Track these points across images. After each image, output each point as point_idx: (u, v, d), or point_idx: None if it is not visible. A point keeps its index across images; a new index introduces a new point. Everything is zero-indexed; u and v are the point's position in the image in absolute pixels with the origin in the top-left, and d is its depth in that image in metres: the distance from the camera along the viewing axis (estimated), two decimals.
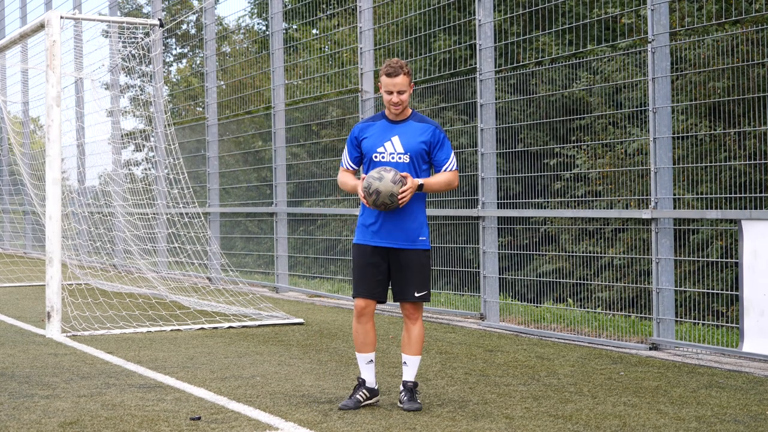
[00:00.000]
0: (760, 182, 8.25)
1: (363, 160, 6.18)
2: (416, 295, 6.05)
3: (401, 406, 6.03)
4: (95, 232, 14.65)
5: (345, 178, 6.23)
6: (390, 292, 6.20)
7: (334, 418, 5.80)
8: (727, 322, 8.35)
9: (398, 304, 6.29)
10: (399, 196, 5.86)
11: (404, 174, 5.91)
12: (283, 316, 10.68)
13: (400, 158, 6.02)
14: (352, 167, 6.23)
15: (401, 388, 6.12)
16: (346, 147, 6.24)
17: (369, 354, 6.15)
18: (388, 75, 6.01)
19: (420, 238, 6.07)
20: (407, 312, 6.11)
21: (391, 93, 6.02)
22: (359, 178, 6.07)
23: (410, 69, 6.11)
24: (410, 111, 6.15)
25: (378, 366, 7.46)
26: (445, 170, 6.09)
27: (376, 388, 6.16)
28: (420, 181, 5.97)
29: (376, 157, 6.06)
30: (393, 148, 6.04)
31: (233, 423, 5.66)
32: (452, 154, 6.13)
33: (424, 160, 6.08)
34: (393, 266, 6.08)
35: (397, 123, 6.11)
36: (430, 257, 6.19)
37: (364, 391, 6.09)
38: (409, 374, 6.11)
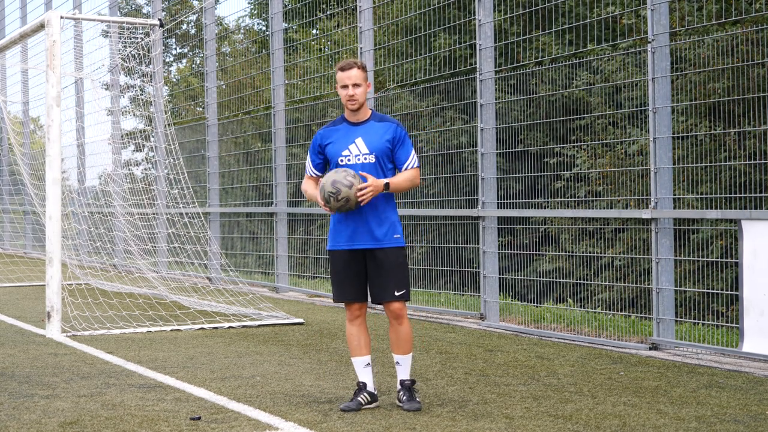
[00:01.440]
0: (760, 182, 8.25)
1: (328, 166, 6.17)
2: (396, 294, 6.01)
3: (401, 405, 6.03)
4: (95, 232, 14.66)
5: (307, 186, 6.23)
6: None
7: (334, 418, 5.80)
8: (727, 322, 8.35)
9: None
10: (359, 195, 5.83)
11: (364, 174, 5.89)
12: (283, 316, 10.68)
13: (365, 159, 6.00)
14: (315, 174, 6.21)
15: (398, 387, 6.12)
16: (308, 154, 6.23)
17: (365, 357, 6.14)
18: (342, 69, 6.03)
19: (394, 236, 6.05)
20: (393, 314, 6.08)
21: (346, 87, 6.02)
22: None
23: (365, 65, 6.12)
24: (370, 111, 6.14)
25: (377, 366, 7.46)
26: (406, 168, 6.08)
27: (375, 393, 6.15)
28: (385, 180, 5.95)
29: (342, 160, 6.04)
30: (358, 149, 6.02)
31: (233, 423, 5.67)
32: (413, 151, 6.12)
33: (389, 159, 6.07)
34: (370, 267, 6.05)
35: (359, 124, 6.09)
36: (407, 255, 6.18)
37: (365, 394, 6.07)
38: (404, 373, 6.10)
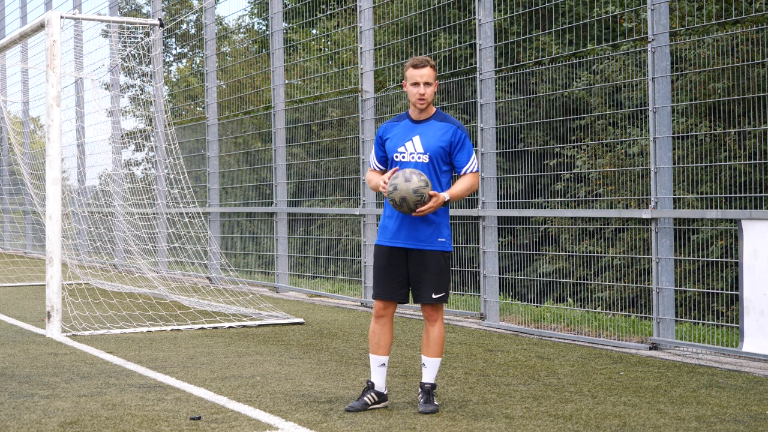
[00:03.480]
0: (760, 182, 8.25)
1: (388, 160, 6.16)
2: (434, 296, 5.99)
3: (419, 407, 6.02)
4: (95, 231, 14.67)
5: (371, 176, 6.18)
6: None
7: (334, 418, 5.80)
8: (727, 322, 8.35)
9: (411, 305, 6.25)
10: (418, 209, 5.79)
11: (433, 192, 5.83)
12: (283, 316, 10.68)
13: (419, 158, 5.95)
14: (378, 167, 6.17)
15: (419, 390, 6.11)
16: (373, 146, 6.23)
17: (382, 357, 6.10)
18: (415, 66, 5.98)
19: (439, 239, 6.00)
20: (426, 314, 6.08)
21: (417, 84, 5.97)
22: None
23: (435, 64, 6.08)
24: (434, 110, 6.09)
25: None
26: (465, 172, 6.00)
27: (385, 393, 6.12)
28: (446, 196, 5.87)
29: (396, 156, 6.02)
30: (413, 147, 5.98)
31: (233, 423, 5.67)
32: (473, 155, 6.03)
33: (444, 160, 5.99)
34: (411, 267, 6.03)
35: (420, 123, 6.04)
36: (450, 259, 6.14)
37: (372, 394, 6.06)
38: (427, 376, 6.07)
